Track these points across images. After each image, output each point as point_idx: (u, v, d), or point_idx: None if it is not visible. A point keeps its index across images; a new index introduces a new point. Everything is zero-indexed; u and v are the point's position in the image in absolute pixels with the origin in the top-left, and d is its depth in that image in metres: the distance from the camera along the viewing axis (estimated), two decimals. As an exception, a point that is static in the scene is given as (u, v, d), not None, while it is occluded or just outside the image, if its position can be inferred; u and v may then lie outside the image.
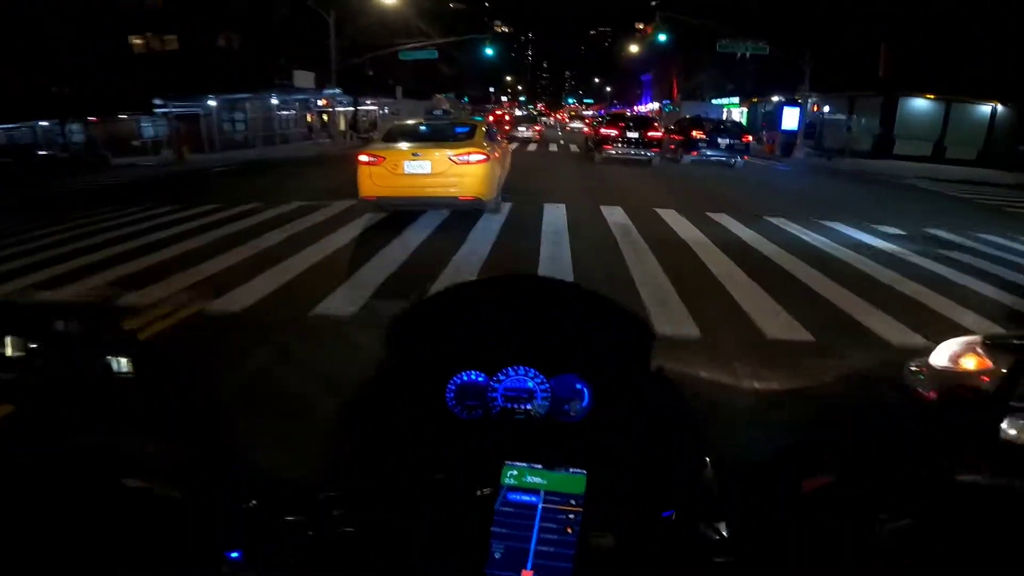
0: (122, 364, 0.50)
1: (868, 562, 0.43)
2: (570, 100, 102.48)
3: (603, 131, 13.72)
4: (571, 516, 0.52)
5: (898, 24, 17.02)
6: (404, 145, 5.86)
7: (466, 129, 6.35)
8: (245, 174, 12.25)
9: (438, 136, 6.28)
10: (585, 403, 0.75)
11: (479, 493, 0.53)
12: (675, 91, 41.62)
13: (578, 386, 0.75)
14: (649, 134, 13.36)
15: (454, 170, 5.61)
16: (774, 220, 6.60)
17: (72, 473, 0.46)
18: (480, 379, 0.75)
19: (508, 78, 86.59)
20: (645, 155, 13.33)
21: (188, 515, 0.48)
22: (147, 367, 0.50)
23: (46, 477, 0.45)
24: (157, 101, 17.76)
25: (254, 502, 0.51)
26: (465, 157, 5.61)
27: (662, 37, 24.84)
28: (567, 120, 46.54)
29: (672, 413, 0.74)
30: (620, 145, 13.37)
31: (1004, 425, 0.45)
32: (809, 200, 8.95)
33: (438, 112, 8.07)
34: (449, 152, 5.63)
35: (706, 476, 0.65)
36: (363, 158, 5.72)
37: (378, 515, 0.53)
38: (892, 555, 0.43)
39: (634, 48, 46.06)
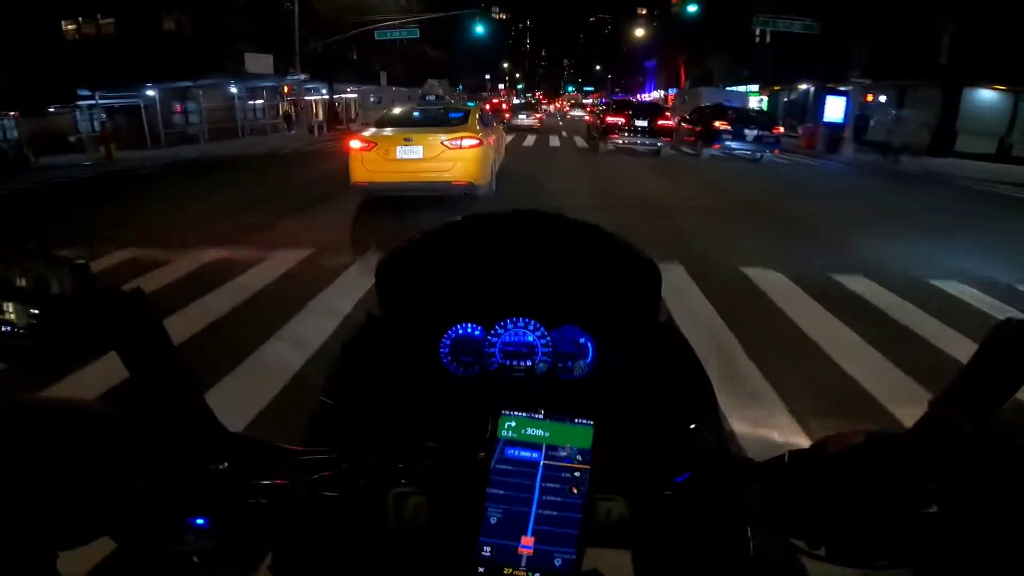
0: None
1: (903, 521, 0.46)
2: (569, 88, 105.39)
3: (609, 119, 14.56)
4: (577, 474, 0.52)
5: (962, 6, 16.26)
6: (396, 130, 6.58)
7: (459, 114, 7.12)
8: (152, 181, 11.27)
9: (431, 121, 7.06)
10: (589, 359, 0.79)
11: (476, 454, 0.53)
12: (682, 78, 43.65)
13: (582, 340, 0.80)
14: (659, 122, 14.10)
15: (447, 155, 6.32)
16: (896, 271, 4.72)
17: (29, 433, 0.48)
18: (476, 332, 0.80)
19: (505, 65, 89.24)
20: (655, 145, 13.97)
21: (148, 476, 0.49)
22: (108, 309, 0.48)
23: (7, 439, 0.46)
24: (83, 92, 17.08)
25: (224, 464, 0.52)
26: (458, 142, 6.32)
27: (692, 8, 25.86)
28: (568, 108, 49.35)
29: (682, 369, 0.78)
30: (627, 134, 14.18)
31: None
32: (929, 225, 7.05)
33: (431, 97, 8.80)
34: (442, 137, 6.31)
35: (721, 437, 0.70)
36: (354, 144, 6.41)
37: (362, 480, 0.55)
38: (932, 511, 0.46)
39: (639, 32, 47.54)
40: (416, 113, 7.64)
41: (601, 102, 61.32)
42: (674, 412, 0.71)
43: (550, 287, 0.82)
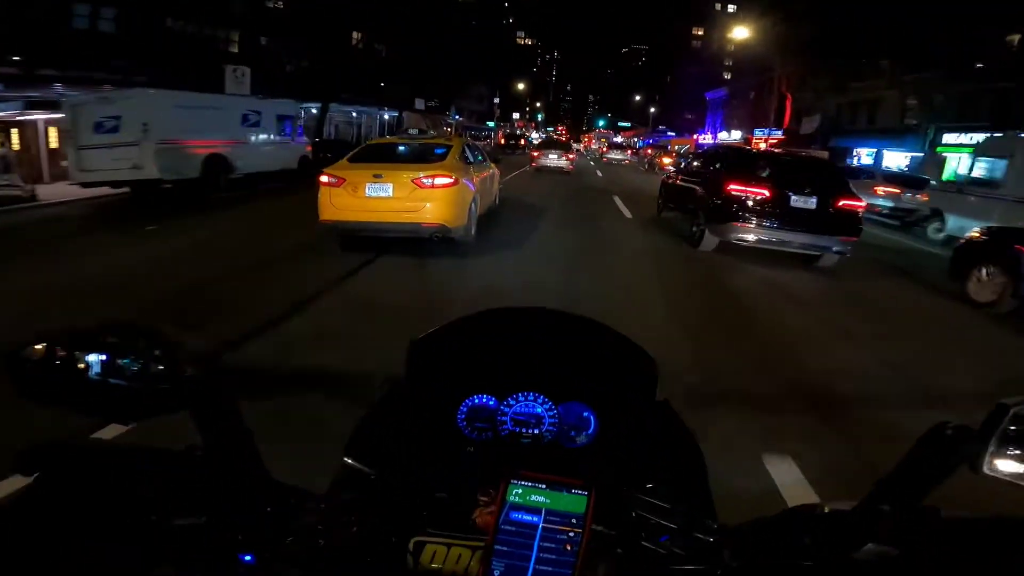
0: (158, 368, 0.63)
1: None
2: (600, 122, 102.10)
3: (733, 188, 8.21)
4: (571, 535, 0.67)
5: None
6: (368, 166, 7.34)
7: (440, 150, 7.90)
8: None
9: (406, 157, 7.89)
10: (591, 430, 0.98)
11: (484, 510, 0.70)
12: (787, 113, 37.46)
13: (585, 414, 0.99)
14: (842, 203, 8.08)
15: (417, 194, 7.00)
16: None
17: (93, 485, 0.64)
18: (491, 402, 1.00)
19: (521, 87, 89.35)
20: (827, 247, 8.08)
21: (206, 518, 0.64)
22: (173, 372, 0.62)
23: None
24: None
25: (268, 508, 0.69)
26: (429, 180, 7.02)
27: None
28: (604, 149, 46.23)
29: (674, 442, 0.98)
30: (774, 223, 8.02)
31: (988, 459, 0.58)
32: None
33: (413, 131, 9.65)
34: (411, 175, 7.04)
35: (707, 505, 0.88)
36: (324, 179, 7.18)
37: (386, 527, 0.72)
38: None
39: (739, 32, 38.03)
40: (395, 147, 8.58)
41: (645, 142, 55.25)
42: (664, 482, 0.87)
43: (560, 368, 1.05)
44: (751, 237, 8.20)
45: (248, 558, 0.65)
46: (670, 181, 11.82)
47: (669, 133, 69.22)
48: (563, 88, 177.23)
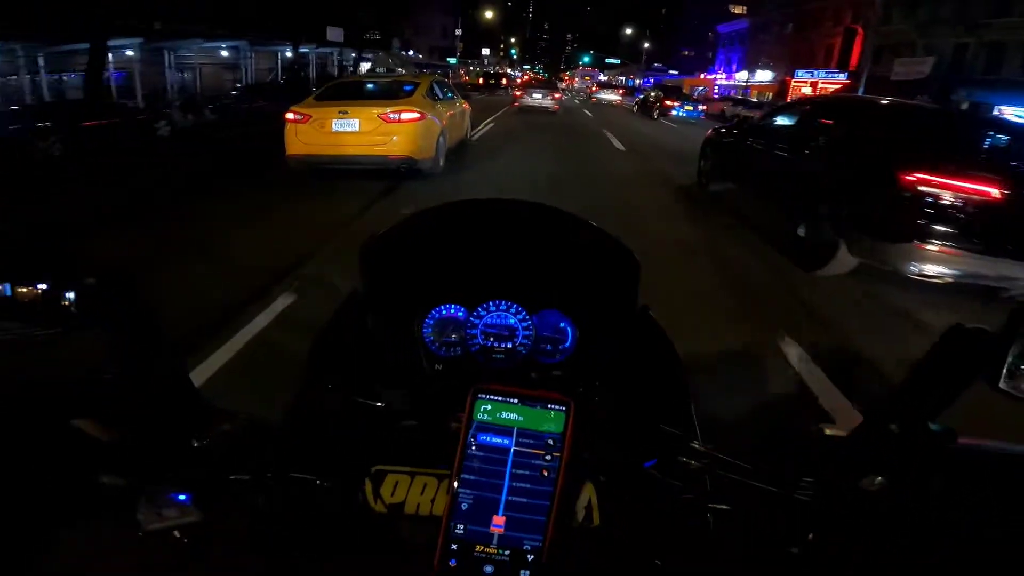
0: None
1: (854, 516, 0.59)
2: (584, 59, 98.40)
3: (921, 180, 4.36)
4: (548, 458, 0.63)
5: None
6: (334, 103, 8.21)
7: (409, 87, 8.80)
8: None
9: (373, 94, 8.82)
10: (568, 343, 0.99)
11: (451, 436, 0.64)
12: (856, 51, 29.88)
13: (562, 324, 0.99)
14: None
15: (383, 128, 7.92)
16: None
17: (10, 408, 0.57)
18: (460, 313, 0.98)
19: (488, 15, 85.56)
20: None
21: (131, 452, 0.59)
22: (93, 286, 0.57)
23: None
24: None
25: (206, 440, 0.64)
26: (396, 115, 7.93)
27: None
28: (594, 88, 45.79)
29: (656, 356, 0.97)
30: (999, 249, 4.31)
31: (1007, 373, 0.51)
32: None
33: (381, 70, 10.81)
34: (378, 110, 7.95)
35: (689, 424, 0.85)
36: (290, 116, 8.05)
37: (343, 459, 0.68)
38: (872, 509, 0.58)
39: None
40: (362, 85, 9.53)
41: (647, 82, 52.28)
42: (647, 397, 0.87)
43: (533, 273, 1.02)
44: (955, 271, 4.44)
45: (183, 497, 0.61)
46: (725, 140, 8.25)
47: (672, 72, 66.13)
48: (540, 26, 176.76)
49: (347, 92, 8.99)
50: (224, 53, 26.07)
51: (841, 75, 32.97)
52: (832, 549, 0.63)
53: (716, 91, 50.87)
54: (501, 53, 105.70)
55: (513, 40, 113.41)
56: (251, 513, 0.67)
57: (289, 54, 29.87)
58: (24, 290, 0.60)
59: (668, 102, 27.08)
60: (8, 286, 0.60)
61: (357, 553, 0.71)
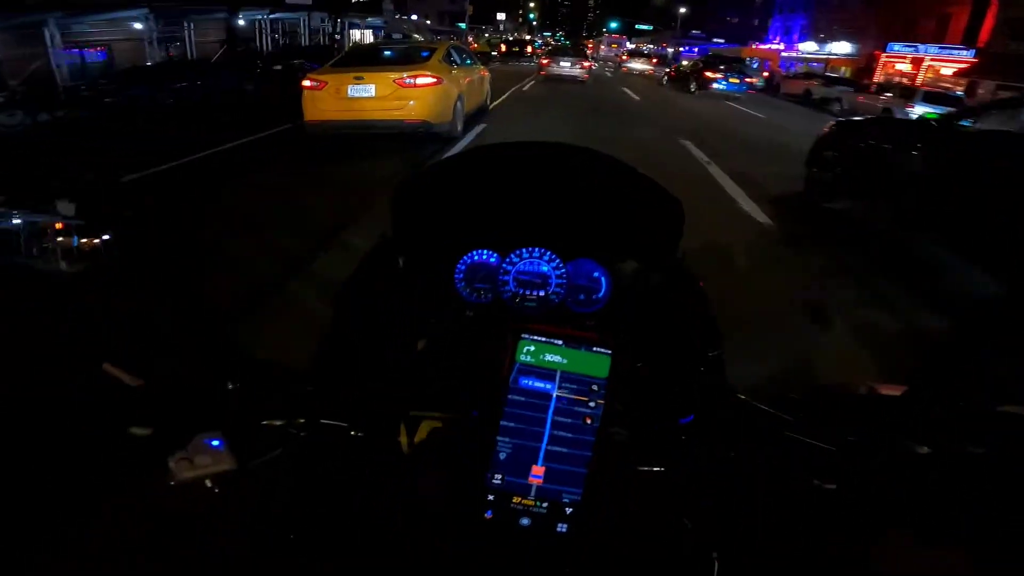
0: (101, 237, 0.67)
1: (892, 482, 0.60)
2: (612, 25, 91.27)
3: None
4: (592, 405, 0.64)
5: None
6: (349, 69, 8.68)
7: (425, 53, 9.26)
8: None
9: (389, 60, 9.30)
10: (602, 293, 1.00)
11: (491, 380, 0.64)
12: (988, 23, 26.27)
13: (596, 274, 1.01)
14: None
15: (399, 93, 8.34)
16: None
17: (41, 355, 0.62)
18: (492, 259, 1.01)
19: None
20: None
21: (162, 397, 0.63)
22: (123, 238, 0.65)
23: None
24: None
25: (238, 384, 0.65)
26: (411, 80, 8.33)
27: None
28: (624, 57, 43.75)
29: (692, 310, 0.97)
30: None
31: None
32: None
33: (397, 35, 11.12)
34: (394, 75, 8.36)
35: (724, 380, 0.86)
36: (306, 83, 8.53)
37: (375, 405, 0.69)
38: (918, 478, 0.60)
39: None
40: (378, 51, 10.06)
41: (688, 51, 47.52)
42: (682, 352, 0.89)
43: (569, 219, 1.04)
44: None
45: (216, 443, 0.63)
46: (866, 143, 5.91)
47: (717, 40, 59.31)
48: None
49: (364, 58, 9.48)
50: (137, 26, 20.81)
51: (965, 52, 27.85)
52: (869, 508, 0.63)
53: (783, 64, 43.72)
54: (520, 19, 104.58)
55: (532, 4, 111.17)
56: (284, 460, 0.68)
57: (243, 22, 25.85)
58: (59, 225, 0.67)
59: (709, 74, 23.14)
60: (42, 218, 0.67)
61: (385, 513, 0.71)
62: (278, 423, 0.68)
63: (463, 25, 54.45)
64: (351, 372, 0.81)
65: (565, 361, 0.66)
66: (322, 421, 0.70)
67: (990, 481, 0.61)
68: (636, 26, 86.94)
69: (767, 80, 29.37)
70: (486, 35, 64.26)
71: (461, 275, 1.03)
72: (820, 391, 0.76)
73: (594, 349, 0.66)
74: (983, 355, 0.69)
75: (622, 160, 1.04)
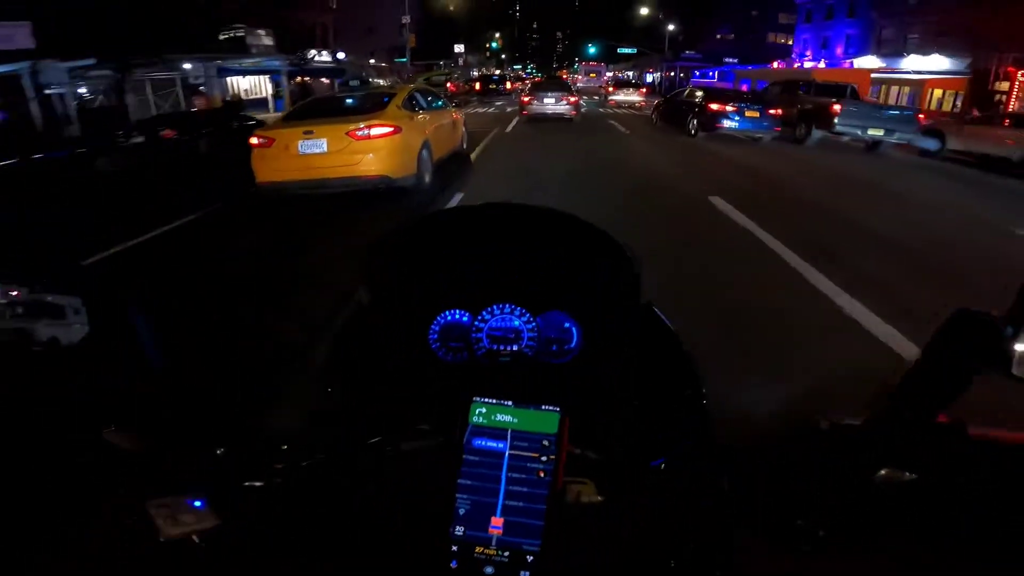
0: (79, 308, 0.78)
1: (860, 507, 0.64)
2: (590, 50, 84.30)
3: None
4: (544, 459, 0.72)
5: None
6: (298, 123, 8.52)
7: (382, 100, 9.10)
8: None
9: (343, 110, 9.13)
10: (574, 342, 1.10)
11: (450, 440, 0.75)
12: None
13: (566, 324, 1.11)
14: None
15: (353, 147, 8.17)
16: None
17: (28, 422, 0.72)
18: (464, 319, 1.11)
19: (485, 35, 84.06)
20: None
21: (148, 461, 0.71)
22: (107, 308, 0.76)
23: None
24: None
25: (221, 449, 0.75)
26: (365, 131, 8.18)
27: None
28: (610, 87, 38.73)
29: (663, 351, 1.08)
30: None
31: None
32: None
33: (355, 82, 10.95)
34: (346, 127, 8.19)
35: (701, 420, 0.94)
36: (254, 140, 8.41)
37: (351, 468, 0.79)
38: (888, 503, 0.63)
39: None
40: (333, 101, 9.99)
41: (698, 77, 41.78)
42: (653, 395, 0.97)
43: (535, 275, 1.14)
44: None
45: (199, 504, 0.71)
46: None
47: (729, 60, 54.38)
48: (528, 25, 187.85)
49: (316, 110, 9.40)
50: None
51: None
52: (845, 540, 0.68)
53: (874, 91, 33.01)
54: (487, 53, 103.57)
55: (498, 35, 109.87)
56: (266, 520, 0.77)
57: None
58: (50, 299, 0.78)
59: (714, 106, 17.09)
60: (39, 294, 0.78)
61: (360, 555, 0.81)
62: (258, 483, 0.75)
63: (404, 60, 49.08)
64: (333, 432, 0.88)
65: (515, 420, 0.76)
66: (302, 473, 0.77)
67: (957, 504, 0.65)
68: (619, 50, 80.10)
69: (927, 130, 16.79)
70: (444, 69, 58.29)
71: (435, 335, 1.11)
72: (795, 433, 0.76)
73: (542, 407, 0.76)
74: (934, 372, 0.65)
75: (577, 216, 1.15)
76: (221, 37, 29.69)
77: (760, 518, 0.72)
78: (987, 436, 0.68)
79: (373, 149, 8.26)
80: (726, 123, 16.84)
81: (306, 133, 8.27)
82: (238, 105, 23.47)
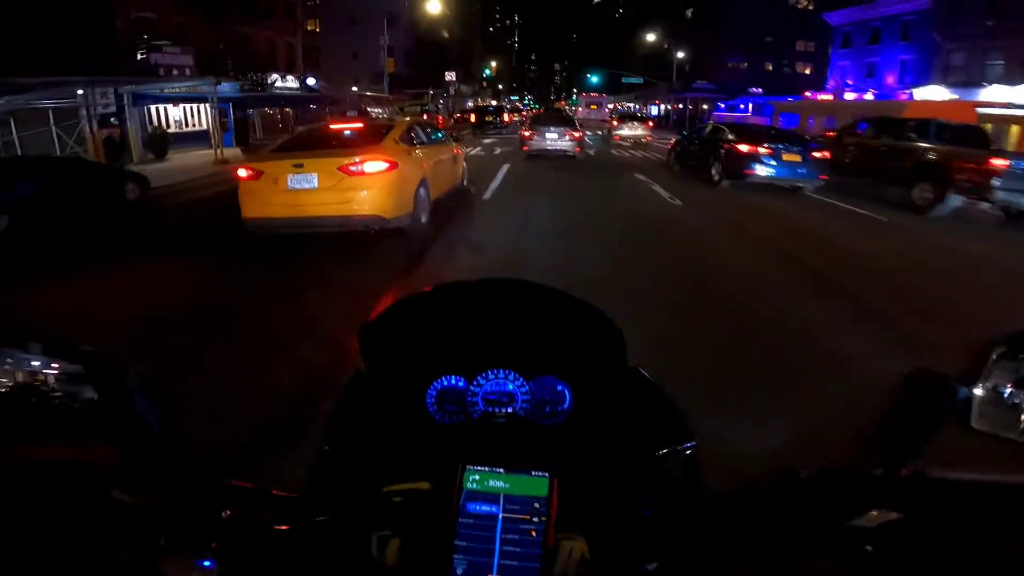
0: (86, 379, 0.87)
1: (844, 556, 0.71)
2: (592, 78, 75.79)
3: None
4: (535, 520, 0.80)
5: None
6: (289, 155, 8.15)
7: (380, 132, 8.81)
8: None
9: (337, 142, 8.81)
10: (566, 404, 1.20)
11: (446, 502, 0.83)
12: None
13: (559, 387, 1.21)
14: None
15: (345, 183, 7.79)
16: None
17: (34, 484, 0.79)
18: (460, 384, 1.20)
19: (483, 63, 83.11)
20: None
21: (157, 522, 0.77)
22: (113, 375, 0.85)
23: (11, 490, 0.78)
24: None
25: (227, 511, 0.82)
26: (358, 167, 7.80)
27: None
28: (613, 121, 36.47)
29: (653, 409, 1.19)
30: None
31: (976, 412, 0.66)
32: None
33: (352, 112, 10.59)
34: (338, 161, 7.82)
35: (689, 473, 1.05)
36: (241, 172, 8.04)
37: (354, 528, 0.86)
38: (867, 549, 0.69)
39: None
40: (328, 132, 9.59)
41: (723, 110, 36.29)
42: (643, 450, 1.06)
43: (527, 343, 1.26)
44: None
45: (208, 563, 0.78)
46: None
47: (755, 90, 51.36)
48: (527, 57, 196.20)
49: (309, 141, 9.11)
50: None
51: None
52: None
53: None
54: (484, 83, 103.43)
55: (494, 64, 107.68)
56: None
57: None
58: (55, 383, 0.87)
59: (743, 147, 14.23)
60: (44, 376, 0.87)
61: None
62: (264, 544, 0.83)
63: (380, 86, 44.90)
64: (333, 494, 0.97)
65: (507, 486, 0.83)
66: (306, 540, 0.85)
67: (923, 547, 0.71)
68: (623, 79, 73.88)
69: None
70: (422, 100, 55.31)
71: (432, 399, 1.21)
72: (780, 481, 0.82)
73: (533, 473, 0.84)
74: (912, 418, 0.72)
75: (562, 290, 1.25)
76: (140, 56, 25.86)
77: (748, 562, 0.77)
78: (945, 480, 0.76)
79: (367, 186, 7.91)
80: (759, 169, 13.83)
81: (296, 166, 7.90)
82: (124, 149, 20.34)
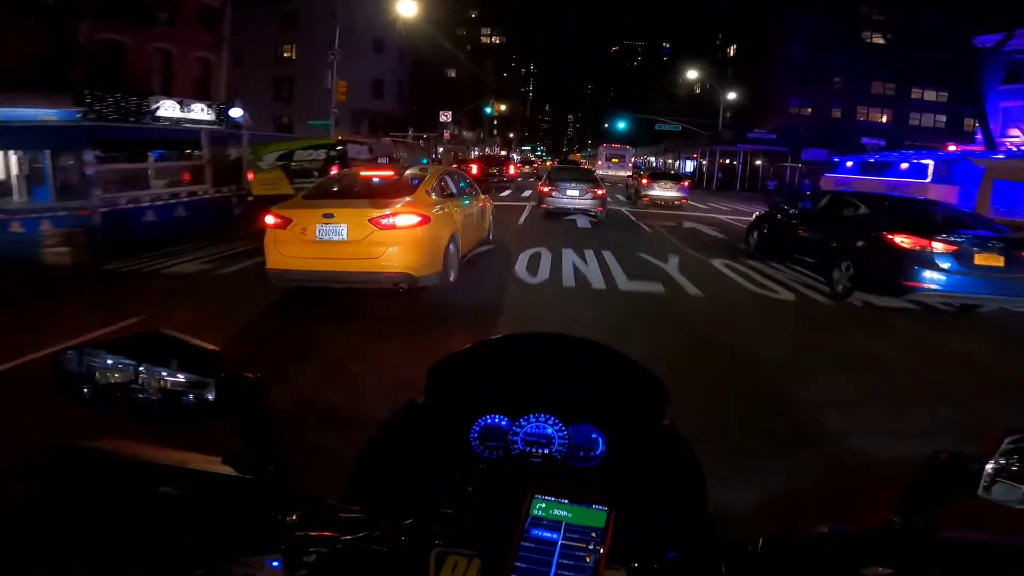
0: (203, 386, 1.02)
1: None
2: (619, 124, 70.31)
3: None
4: (591, 548, 0.94)
5: None
6: (319, 203, 8.22)
7: (411, 182, 8.79)
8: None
9: (368, 191, 8.80)
10: (599, 451, 1.37)
11: (509, 527, 0.97)
12: None
13: (594, 435, 1.38)
14: None
15: (375, 236, 7.87)
16: None
17: (125, 484, 0.98)
18: (503, 423, 1.40)
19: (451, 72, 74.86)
20: None
21: (236, 521, 0.95)
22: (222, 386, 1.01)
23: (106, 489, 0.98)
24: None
25: (295, 516, 0.98)
26: (390, 220, 7.89)
27: None
28: (645, 180, 30.38)
29: (679, 465, 1.35)
30: None
31: (984, 485, 0.85)
32: None
33: (384, 159, 10.42)
34: (370, 213, 7.91)
35: (709, 524, 1.24)
36: (269, 219, 8.16)
37: (406, 538, 1.02)
38: None
39: None
40: (358, 179, 9.56)
41: (841, 177, 23.19)
42: (669, 500, 1.27)
43: (571, 391, 1.46)
44: None
45: (276, 563, 0.94)
46: None
47: (867, 141, 43.62)
48: (540, 106, 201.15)
49: (341, 188, 9.21)
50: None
51: None
52: None
53: None
54: (495, 132, 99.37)
55: (503, 108, 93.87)
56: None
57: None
58: (181, 380, 1.01)
59: (902, 239, 9.13)
60: (165, 378, 1.01)
61: None
62: (324, 549, 0.97)
63: (322, 123, 33.09)
64: (387, 509, 1.08)
65: (569, 515, 0.97)
66: (366, 547, 1.00)
67: None
68: (657, 126, 63.24)
69: None
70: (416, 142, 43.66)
71: (476, 435, 1.39)
72: (785, 530, 0.98)
73: (594, 507, 0.98)
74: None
75: (614, 348, 1.47)
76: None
77: None
78: (957, 539, 0.91)
79: (397, 241, 7.94)
80: (927, 279, 8.77)
81: (326, 216, 7.99)
82: None
